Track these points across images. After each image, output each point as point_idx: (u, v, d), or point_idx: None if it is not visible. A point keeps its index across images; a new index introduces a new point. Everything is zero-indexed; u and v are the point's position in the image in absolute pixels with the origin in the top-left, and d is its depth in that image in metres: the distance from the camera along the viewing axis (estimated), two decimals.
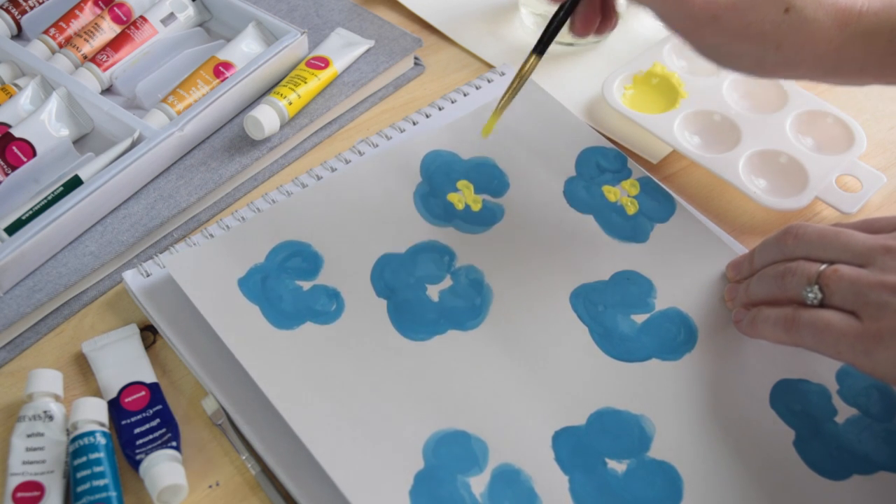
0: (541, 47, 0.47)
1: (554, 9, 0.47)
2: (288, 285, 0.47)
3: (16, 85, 0.57)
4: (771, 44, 0.41)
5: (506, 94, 0.48)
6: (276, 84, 0.58)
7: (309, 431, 0.41)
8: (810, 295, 0.41)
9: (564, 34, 0.64)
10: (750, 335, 0.45)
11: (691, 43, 0.43)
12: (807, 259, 0.42)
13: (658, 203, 0.53)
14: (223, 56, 0.59)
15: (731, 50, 0.42)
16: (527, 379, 0.45)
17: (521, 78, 0.47)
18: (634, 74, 0.60)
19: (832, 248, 0.42)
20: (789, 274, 0.42)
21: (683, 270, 0.50)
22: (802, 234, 0.43)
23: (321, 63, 0.59)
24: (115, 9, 0.62)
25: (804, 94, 0.58)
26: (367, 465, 0.41)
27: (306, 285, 0.47)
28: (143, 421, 0.43)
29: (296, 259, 0.48)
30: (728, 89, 0.58)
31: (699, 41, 0.42)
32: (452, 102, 0.59)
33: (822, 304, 0.41)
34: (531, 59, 0.47)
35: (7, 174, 0.52)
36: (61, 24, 0.61)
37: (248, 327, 0.45)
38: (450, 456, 0.41)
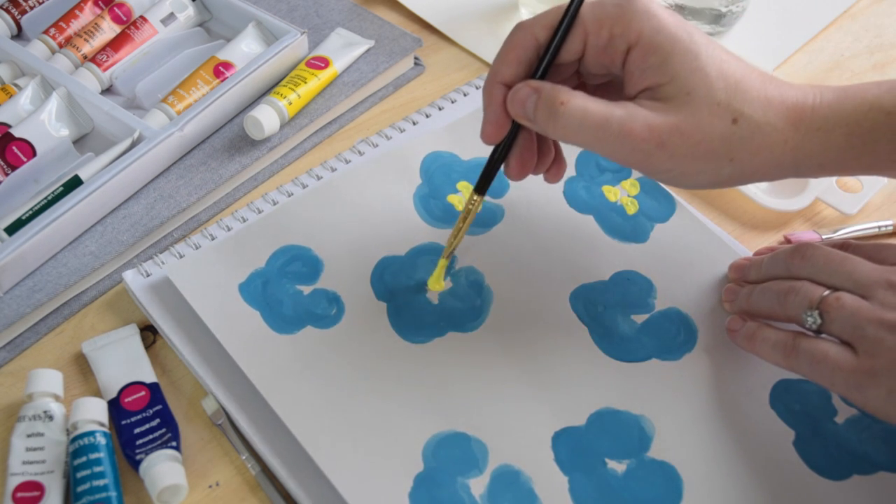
0: (482, 187, 0.44)
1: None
2: (288, 290, 0.47)
3: (16, 85, 0.57)
4: (724, 158, 0.39)
5: (452, 238, 0.46)
6: (276, 84, 0.58)
7: (309, 435, 0.41)
8: (809, 319, 0.41)
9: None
10: (744, 348, 0.45)
11: (644, 172, 0.41)
12: (812, 281, 0.42)
13: (658, 203, 0.53)
14: (223, 56, 0.59)
15: (684, 171, 0.40)
16: (526, 380, 0.45)
17: (466, 218, 0.45)
18: None
19: (837, 275, 0.41)
20: (792, 293, 0.42)
21: (683, 270, 0.50)
22: (810, 256, 0.43)
23: (321, 63, 0.59)
24: (115, 9, 0.62)
25: None
26: (367, 467, 0.41)
27: (307, 290, 0.47)
28: (143, 421, 0.43)
29: (296, 263, 0.48)
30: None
31: (650, 170, 0.40)
32: (452, 102, 0.59)
33: (820, 330, 0.41)
34: (475, 199, 0.44)
35: (7, 174, 0.52)
36: (61, 24, 0.62)
37: (249, 332, 0.45)
38: (449, 458, 0.41)
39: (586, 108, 0.39)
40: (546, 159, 0.45)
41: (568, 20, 0.40)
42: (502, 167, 0.44)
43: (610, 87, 0.44)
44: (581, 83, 0.44)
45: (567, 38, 0.40)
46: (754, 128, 0.39)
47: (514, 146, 0.43)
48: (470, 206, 0.44)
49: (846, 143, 0.40)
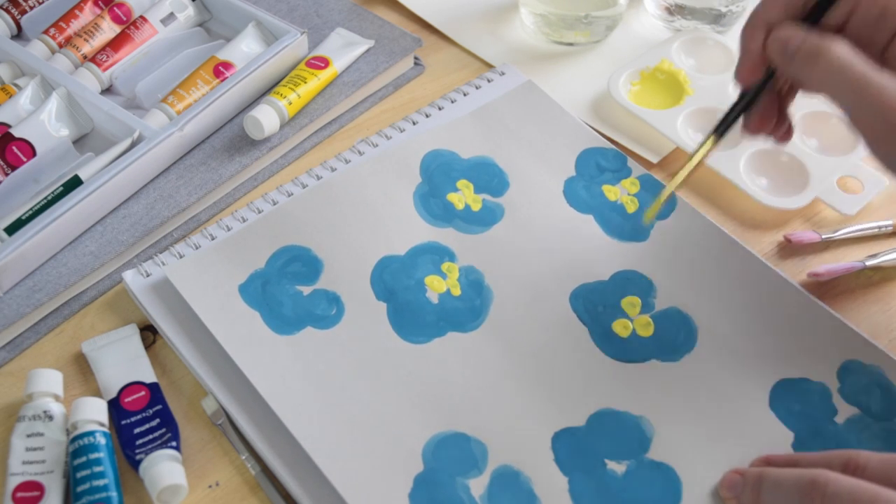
0: (721, 129, 0.43)
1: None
2: (288, 290, 0.47)
3: (16, 85, 0.57)
4: None
5: (680, 176, 0.44)
6: (276, 84, 0.58)
7: (309, 435, 0.41)
8: None
9: (565, 35, 0.64)
10: None
11: (879, 153, 0.39)
12: None
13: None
14: (223, 56, 0.59)
15: None
16: (526, 380, 0.45)
17: (700, 160, 0.43)
18: (641, 70, 0.60)
19: None
20: None
21: (684, 269, 0.49)
22: (833, 496, 0.36)
23: (321, 63, 0.59)
24: (115, 9, 0.62)
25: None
26: (367, 468, 0.41)
27: (306, 290, 0.47)
28: (142, 421, 0.43)
29: (296, 264, 0.48)
30: (734, 87, 0.58)
31: (889, 149, 0.38)
32: (452, 102, 0.59)
33: None
34: (709, 140, 0.43)
35: (7, 174, 0.52)
36: (61, 24, 0.62)
37: (249, 333, 0.45)
38: (449, 458, 0.41)
39: (850, 60, 0.37)
40: (782, 125, 0.44)
41: None
42: (741, 121, 0.43)
43: None
44: None
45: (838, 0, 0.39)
46: None
47: (759, 100, 0.42)
48: (702, 150, 0.43)
49: None
